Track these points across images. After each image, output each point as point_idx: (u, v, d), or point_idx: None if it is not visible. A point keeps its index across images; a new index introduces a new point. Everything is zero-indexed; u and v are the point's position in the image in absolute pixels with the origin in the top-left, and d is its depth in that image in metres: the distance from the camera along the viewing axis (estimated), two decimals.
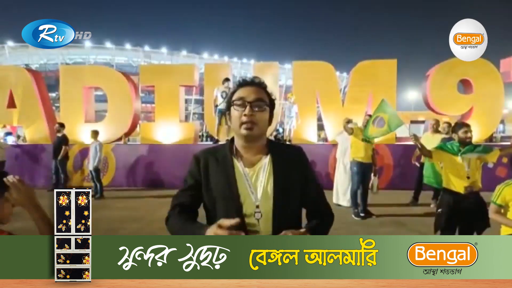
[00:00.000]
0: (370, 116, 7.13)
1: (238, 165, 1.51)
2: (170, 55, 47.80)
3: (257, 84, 1.53)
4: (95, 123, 10.55)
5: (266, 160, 1.52)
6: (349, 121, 7.00)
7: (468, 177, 3.71)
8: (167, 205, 1.58)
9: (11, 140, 11.23)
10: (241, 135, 1.49)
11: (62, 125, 9.47)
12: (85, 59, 45.83)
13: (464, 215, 3.69)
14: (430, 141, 6.32)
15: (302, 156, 1.61)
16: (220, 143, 9.91)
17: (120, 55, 48.22)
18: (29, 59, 44.14)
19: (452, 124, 4.74)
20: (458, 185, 3.73)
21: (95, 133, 8.62)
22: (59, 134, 9.37)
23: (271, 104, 1.54)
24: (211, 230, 1.30)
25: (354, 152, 6.62)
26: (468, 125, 3.92)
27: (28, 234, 1.32)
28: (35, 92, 10.42)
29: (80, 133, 10.17)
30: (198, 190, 1.53)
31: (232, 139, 1.59)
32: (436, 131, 7.22)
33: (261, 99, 1.48)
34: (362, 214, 6.48)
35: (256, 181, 1.49)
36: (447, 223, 3.73)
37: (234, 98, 1.51)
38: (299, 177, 1.54)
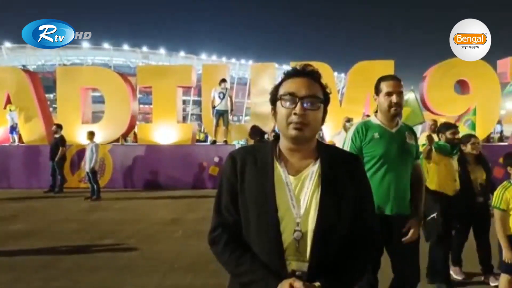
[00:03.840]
0: (368, 116, 7.11)
1: (281, 170, 1.27)
2: (168, 56, 47.68)
3: (309, 75, 1.28)
4: (92, 124, 10.53)
5: (314, 168, 1.27)
6: (349, 120, 7.00)
7: (455, 180, 3.71)
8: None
9: None
10: (288, 136, 1.24)
11: (59, 126, 9.45)
12: (83, 60, 45.66)
13: (456, 217, 3.67)
14: None
15: (359, 168, 1.35)
16: (217, 144, 9.98)
17: (118, 56, 48.09)
18: (27, 60, 43.98)
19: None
20: (450, 188, 3.68)
21: (91, 134, 8.58)
22: (57, 135, 9.34)
23: (325, 99, 1.29)
24: None
25: None
26: (456, 126, 3.93)
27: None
28: (32, 93, 10.37)
29: (77, 134, 10.12)
30: (236, 198, 1.29)
31: (276, 139, 1.35)
32: (434, 131, 7.22)
33: (314, 95, 1.24)
34: None
35: (300, 192, 1.24)
36: (445, 228, 3.57)
37: (281, 92, 1.26)
38: (352, 193, 1.27)
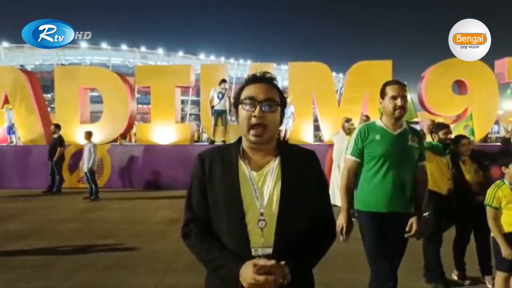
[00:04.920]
0: (367, 116, 7.15)
1: (244, 167, 1.40)
2: (166, 56, 47.59)
3: (267, 81, 1.41)
4: (91, 124, 10.53)
5: (275, 163, 1.40)
6: (348, 120, 7.03)
7: (448, 179, 3.72)
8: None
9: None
10: (249, 140, 1.39)
11: (58, 126, 9.44)
12: (81, 60, 45.51)
13: (446, 216, 3.69)
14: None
15: (315, 162, 1.48)
16: (216, 143, 9.98)
17: (116, 56, 47.93)
18: (25, 60, 43.80)
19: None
20: (442, 187, 3.69)
21: (88, 134, 8.57)
22: (55, 135, 9.33)
23: (282, 102, 1.42)
24: (247, 273, 1.22)
25: None
26: (448, 126, 3.95)
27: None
28: (30, 93, 10.37)
29: (75, 134, 10.12)
30: (206, 194, 1.42)
31: (240, 139, 1.47)
32: (431, 131, 7.25)
33: (272, 98, 1.37)
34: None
35: (263, 186, 1.37)
36: (436, 227, 3.63)
37: (242, 96, 1.39)
38: (309, 185, 1.42)
